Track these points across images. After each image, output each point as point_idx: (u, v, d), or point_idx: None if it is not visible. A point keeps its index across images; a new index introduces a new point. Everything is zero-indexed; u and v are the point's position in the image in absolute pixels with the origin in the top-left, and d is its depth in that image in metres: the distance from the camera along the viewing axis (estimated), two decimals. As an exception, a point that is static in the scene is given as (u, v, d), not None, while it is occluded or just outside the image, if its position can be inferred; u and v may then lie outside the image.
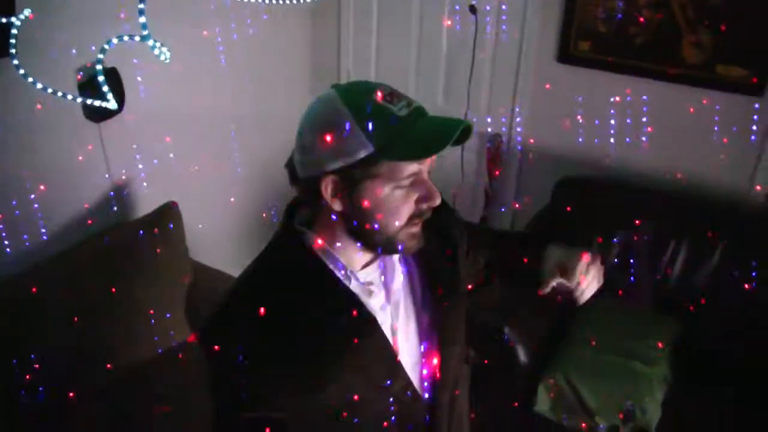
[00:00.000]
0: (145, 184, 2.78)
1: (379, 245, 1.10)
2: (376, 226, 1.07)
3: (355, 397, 1.11)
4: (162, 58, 1.54)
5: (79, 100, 2.28)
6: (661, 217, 2.78)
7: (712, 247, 2.70)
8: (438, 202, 1.08)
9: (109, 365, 2.31)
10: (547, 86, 3.04)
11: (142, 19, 1.50)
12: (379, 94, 1.06)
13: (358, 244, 1.12)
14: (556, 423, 2.45)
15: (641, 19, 2.76)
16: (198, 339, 1.13)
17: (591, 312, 2.71)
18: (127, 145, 2.63)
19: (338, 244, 1.13)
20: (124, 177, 2.73)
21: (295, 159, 1.12)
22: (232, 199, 3.24)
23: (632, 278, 2.69)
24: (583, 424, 2.39)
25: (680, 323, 2.68)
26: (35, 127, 2.30)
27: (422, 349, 1.23)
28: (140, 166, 2.72)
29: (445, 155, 3.11)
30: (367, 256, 1.16)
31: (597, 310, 2.71)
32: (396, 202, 1.06)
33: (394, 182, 1.05)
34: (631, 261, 2.72)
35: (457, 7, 3.11)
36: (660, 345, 2.54)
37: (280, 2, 2.00)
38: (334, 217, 1.10)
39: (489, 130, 3.28)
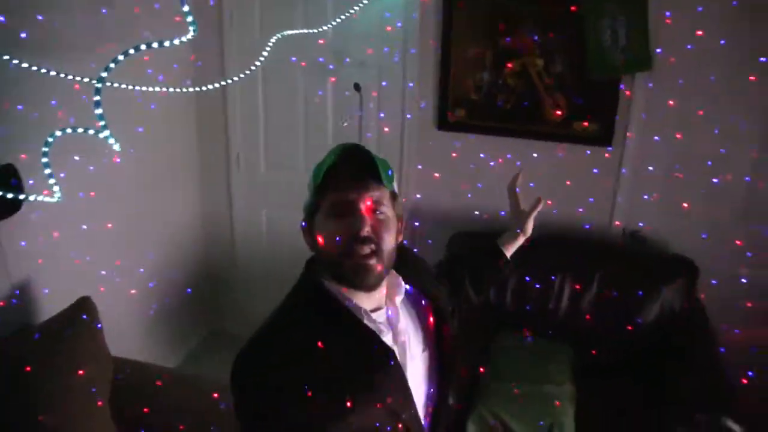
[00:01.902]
0: (47, 286, 2.68)
1: (340, 276, 1.25)
2: (323, 257, 1.26)
3: (374, 423, 1.22)
4: (115, 147, 1.63)
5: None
6: (545, 257, 3.12)
7: (590, 278, 3.07)
8: (361, 232, 1.21)
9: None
10: (427, 151, 3.38)
11: (99, 111, 1.59)
12: (334, 149, 1.27)
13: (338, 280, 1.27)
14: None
15: (508, 89, 3.19)
16: (234, 373, 1.20)
17: (499, 350, 2.99)
18: (28, 244, 2.52)
19: (348, 290, 1.27)
20: (25, 278, 2.61)
21: None
22: (134, 292, 3.20)
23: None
24: (509, 449, 2.60)
25: (572, 346, 3.01)
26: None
27: (426, 387, 1.37)
28: (44, 265, 2.63)
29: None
30: (373, 301, 1.30)
31: (503, 349, 3.00)
32: (329, 229, 1.24)
33: (326, 212, 1.25)
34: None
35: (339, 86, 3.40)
36: (561, 366, 2.85)
37: (164, 90, 2.12)
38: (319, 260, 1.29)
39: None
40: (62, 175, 1.98)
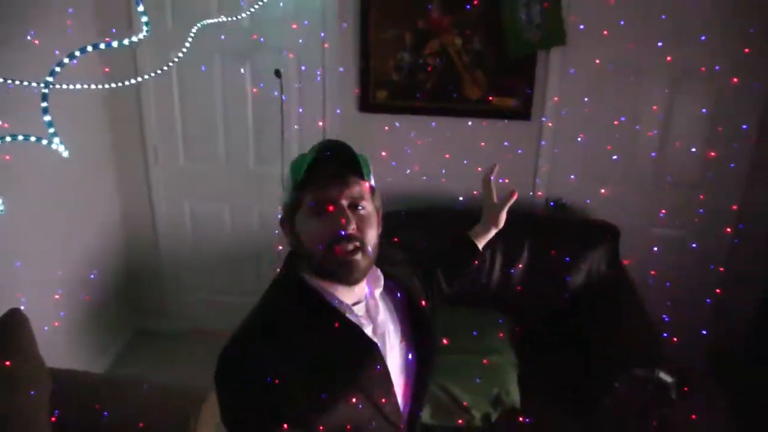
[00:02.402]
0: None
1: (324, 272, 1.24)
2: (306, 253, 1.25)
3: (358, 414, 1.23)
4: (64, 155, 1.54)
5: None
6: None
7: (520, 249, 3.18)
8: (345, 230, 1.20)
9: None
10: (350, 133, 3.35)
11: (48, 118, 1.50)
12: (313, 147, 1.25)
13: (322, 276, 1.26)
14: (438, 427, 2.69)
15: (429, 68, 3.21)
16: (218, 371, 1.18)
17: (437, 328, 3.05)
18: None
19: (329, 284, 1.26)
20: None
21: None
22: (57, 297, 3.06)
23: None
24: (460, 421, 2.67)
25: (507, 314, 3.11)
26: None
27: (404, 377, 1.38)
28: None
29: (265, 213, 3.21)
30: (354, 295, 1.29)
31: (442, 322, 3.06)
32: (311, 227, 1.23)
33: (307, 210, 1.23)
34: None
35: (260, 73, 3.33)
36: (501, 335, 2.94)
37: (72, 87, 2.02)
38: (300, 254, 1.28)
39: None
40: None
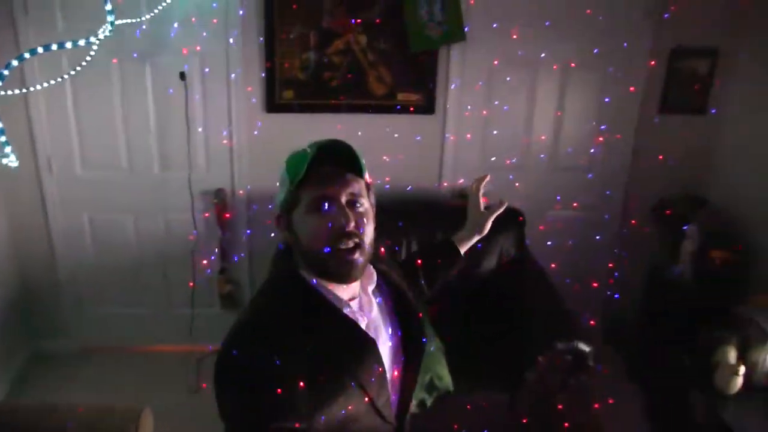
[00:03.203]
0: None
1: (322, 271, 1.27)
2: (308, 251, 1.26)
3: (354, 409, 1.26)
4: (12, 165, 1.46)
5: None
6: (388, 225, 3.28)
7: (432, 238, 3.28)
8: (346, 227, 1.24)
9: None
10: (258, 134, 3.36)
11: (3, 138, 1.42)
12: (309, 144, 1.28)
13: (320, 274, 1.29)
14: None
15: (334, 67, 3.25)
16: (218, 370, 1.18)
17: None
18: None
19: (321, 278, 1.29)
20: None
21: None
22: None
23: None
24: (393, 409, 2.74)
25: (426, 303, 3.20)
26: None
27: (392, 371, 1.41)
28: None
29: (173, 219, 3.11)
30: (349, 291, 1.32)
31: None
32: (312, 225, 1.26)
33: (307, 208, 1.26)
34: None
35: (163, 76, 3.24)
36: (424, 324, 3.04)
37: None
38: (295, 251, 1.30)
39: (213, 186, 3.45)
40: None
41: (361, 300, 1.36)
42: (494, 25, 3.21)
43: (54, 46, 1.41)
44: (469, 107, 3.41)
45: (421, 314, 1.50)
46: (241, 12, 3.15)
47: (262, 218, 3.45)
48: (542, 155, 3.58)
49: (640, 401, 3.24)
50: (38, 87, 2.40)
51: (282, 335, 1.19)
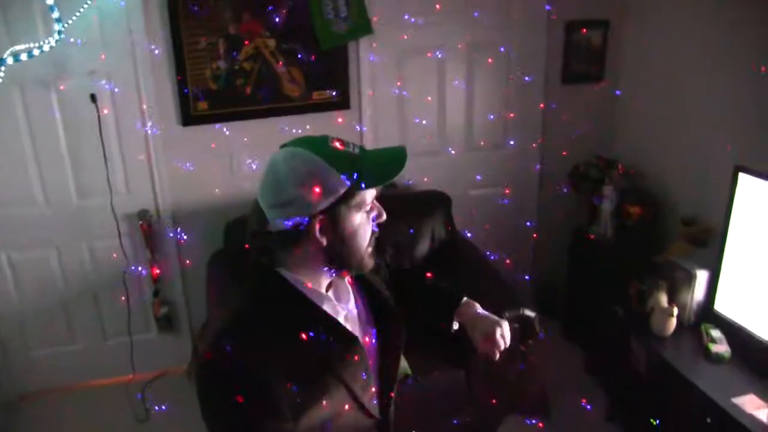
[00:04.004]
0: None
1: (352, 267, 1.30)
2: (353, 250, 1.27)
3: (338, 407, 1.27)
4: None
5: None
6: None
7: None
8: (385, 216, 1.31)
9: None
10: (175, 149, 3.31)
11: None
12: (336, 142, 1.27)
13: (331, 271, 1.29)
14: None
15: (245, 73, 3.25)
16: (199, 371, 1.18)
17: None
18: None
19: (312, 276, 1.29)
20: None
21: (270, 217, 1.23)
22: None
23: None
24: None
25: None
26: None
27: (374, 366, 1.41)
28: None
29: (99, 248, 2.94)
30: (326, 282, 1.33)
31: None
32: (365, 226, 1.28)
33: (363, 209, 1.27)
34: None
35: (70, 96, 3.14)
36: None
37: None
38: (312, 252, 1.25)
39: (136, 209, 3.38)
40: None
41: (338, 288, 1.38)
42: (398, 15, 3.30)
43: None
44: (382, 98, 3.49)
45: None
46: (145, 28, 3.10)
47: (191, 235, 3.40)
48: (458, 138, 3.69)
49: (580, 359, 3.39)
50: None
51: (264, 336, 1.19)
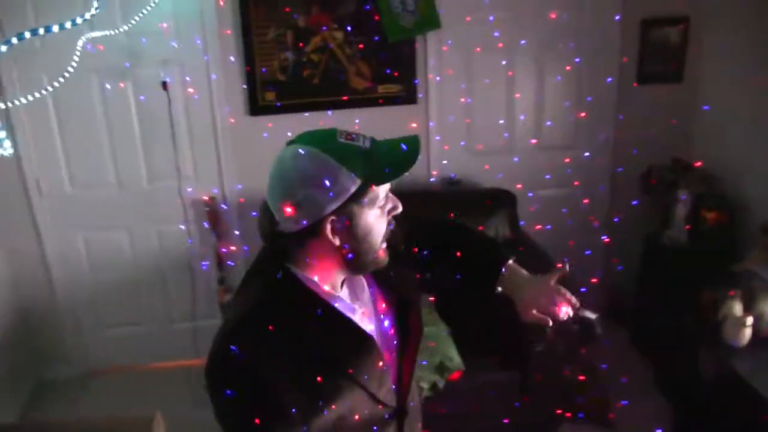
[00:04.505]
0: None
1: (367, 265, 1.26)
2: (368, 249, 1.23)
3: (354, 406, 1.24)
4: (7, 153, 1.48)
5: None
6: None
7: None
8: (401, 207, 1.26)
9: None
10: (243, 138, 3.38)
11: None
12: (345, 136, 1.22)
13: (343, 270, 1.26)
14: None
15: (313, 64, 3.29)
16: (210, 371, 1.15)
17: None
18: None
19: (326, 275, 1.25)
20: None
21: (279, 219, 1.20)
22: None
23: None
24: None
25: (427, 291, 3.21)
26: None
27: (392, 355, 1.37)
28: None
29: (167, 231, 3.03)
30: (340, 279, 1.29)
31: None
32: (380, 222, 1.23)
33: (377, 205, 1.22)
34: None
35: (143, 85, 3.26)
36: (427, 310, 3.05)
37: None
38: (325, 252, 1.22)
39: (203, 196, 3.46)
40: None
41: (352, 282, 1.34)
42: (467, 10, 3.26)
43: (41, 30, 1.41)
44: (450, 94, 3.45)
45: (413, 295, 1.44)
46: (216, 17, 3.19)
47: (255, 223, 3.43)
48: (527, 136, 3.61)
49: (647, 369, 3.24)
50: (19, 101, 2.40)
51: (276, 336, 1.15)
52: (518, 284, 1.47)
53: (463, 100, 3.48)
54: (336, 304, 1.25)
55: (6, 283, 3.47)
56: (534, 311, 1.42)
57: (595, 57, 3.48)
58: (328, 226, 1.18)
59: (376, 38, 3.27)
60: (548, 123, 3.60)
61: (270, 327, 1.15)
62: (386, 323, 1.36)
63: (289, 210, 1.18)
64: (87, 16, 1.51)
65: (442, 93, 3.45)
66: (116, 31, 2.51)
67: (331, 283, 1.27)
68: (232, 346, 1.13)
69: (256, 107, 3.34)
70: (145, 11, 2.53)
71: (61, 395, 3.55)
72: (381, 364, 1.27)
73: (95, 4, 1.51)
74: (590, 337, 2.76)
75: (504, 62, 3.46)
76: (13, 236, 3.47)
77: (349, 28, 3.24)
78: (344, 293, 1.30)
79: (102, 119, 3.33)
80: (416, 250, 1.51)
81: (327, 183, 1.15)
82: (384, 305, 1.38)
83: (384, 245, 1.25)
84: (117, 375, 3.68)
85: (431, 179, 3.59)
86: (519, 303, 1.45)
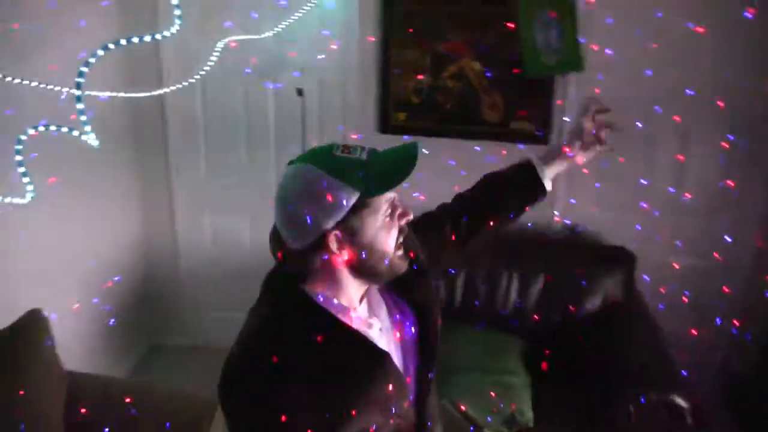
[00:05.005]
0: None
1: (383, 275, 1.25)
2: (378, 257, 1.22)
3: (372, 424, 1.22)
4: (93, 144, 1.61)
5: None
6: (492, 254, 3.22)
7: (536, 271, 3.18)
8: (412, 214, 1.27)
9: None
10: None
11: (80, 105, 1.57)
12: (339, 151, 1.24)
13: (360, 282, 1.27)
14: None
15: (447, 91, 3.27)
16: (226, 394, 1.17)
17: (450, 344, 3.04)
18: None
19: (339, 291, 1.26)
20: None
21: (285, 237, 1.24)
22: (76, 306, 3.11)
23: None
24: (473, 439, 2.67)
25: (522, 335, 3.12)
26: None
27: (411, 367, 1.37)
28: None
29: None
30: (358, 295, 1.29)
31: (454, 345, 3.07)
32: (387, 229, 1.23)
33: (381, 212, 1.22)
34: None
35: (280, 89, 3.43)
36: (515, 357, 2.95)
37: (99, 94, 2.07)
38: (337, 267, 1.24)
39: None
40: None
41: (369, 298, 1.34)
42: (615, 57, 3.06)
43: (111, 45, 1.52)
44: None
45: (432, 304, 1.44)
46: (359, 34, 3.26)
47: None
48: (663, 195, 3.34)
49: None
50: (167, 89, 2.61)
51: (292, 358, 1.16)
52: (555, 161, 1.67)
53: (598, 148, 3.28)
54: (350, 321, 1.25)
55: (140, 249, 3.80)
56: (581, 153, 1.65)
57: (748, 117, 3.14)
58: (332, 241, 1.20)
59: (514, 72, 3.17)
60: (688, 187, 3.31)
61: (281, 345, 1.16)
62: (404, 337, 1.36)
63: (291, 228, 1.21)
64: (173, 30, 1.60)
65: (577, 138, 3.27)
66: (259, 36, 2.66)
67: (347, 298, 1.27)
68: (246, 363, 1.17)
69: (387, 125, 3.38)
70: (291, 19, 2.65)
71: (170, 364, 3.82)
72: (398, 379, 1.27)
73: (177, 23, 1.59)
74: (680, 425, 2.53)
75: (647, 115, 3.17)
76: (152, 209, 3.79)
77: (487, 59, 3.18)
78: (362, 308, 1.30)
79: (243, 114, 3.55)
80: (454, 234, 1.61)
81: (323, 198, 1.18)
82: (401, 318, 1.38)
83: (399, 252, 1.25)
84: (214, 355, 3.88)
85: (553, 225, 3.45)
86: (569, 162, 1.67)
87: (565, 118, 3.24)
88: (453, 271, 3.17)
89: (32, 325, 2.45)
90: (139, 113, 3.58)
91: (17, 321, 2.44)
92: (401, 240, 1.26)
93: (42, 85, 1.68)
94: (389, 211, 1.24)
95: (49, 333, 2.49)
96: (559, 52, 3.08)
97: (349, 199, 1.19)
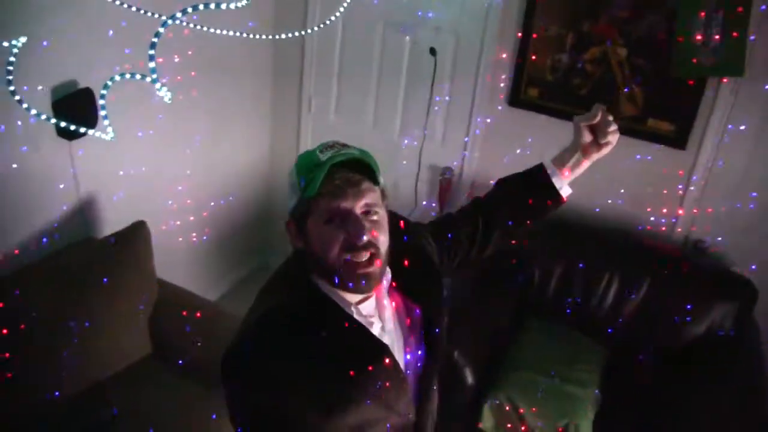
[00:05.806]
0: (115, 201, 2.87)
1: (332, 278, 1.22)
2: (319, 259, 1.22)
3: (370, 417, 1.24)
4: (166, 99, 1.69)
5: (53, 121, 2.34)
6: (599, 250, 3.06)
7: (640, 281, 2.97)
8: (359, 241, 1.19)
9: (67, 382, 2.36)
10: (495, 124, 3.32)
11: (152, 64, 1.64)
12: (321, 149, 1.25)
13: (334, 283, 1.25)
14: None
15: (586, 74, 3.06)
16: (225, 371, 1.20)
17: (528, 337, 2.96)
18: (98, 164, 2.72)
19: (334, 288, 1.26)
20: (93, 195, 2.81)
21: None
22: (192, 218, 3.35)
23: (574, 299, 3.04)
24: (520, 440, 2.61)
25: (608, 348, 2.95)
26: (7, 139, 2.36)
27: (412, 367, 1.37)
28: (110, 186, 2.81)
29: (399, 184, 3.23)
30: (354, 298, 1.28)
31: (532, 335, 2.97)
32: (325, 236, 1.20)
33: (320, 218, 1.20)
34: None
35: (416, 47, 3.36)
36: (590, 368, 2.80)
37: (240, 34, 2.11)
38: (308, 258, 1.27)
39: (442, 163, 3.52)
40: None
41: (377, 298, 1.32)
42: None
43: (179, 14, 1.54)
44: (728, 153, 2.93)
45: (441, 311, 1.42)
46: (501, 3, 3.10)
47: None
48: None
49: None
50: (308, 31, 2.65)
51: (292, 340, 1.18)
52: (568, 163, 1.65)
53: (743, 164, 2.92)
54: (352, 313, 1.26)
55: (265, 178, 4.01)
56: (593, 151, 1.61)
57: None
58: (289, 230, 1.29)
59: (661, 66, 2.87)
60: None
61: (285, 330, 1.20)
62: (410, 337, 1.37)
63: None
64: (240, 4, 1.60)
65: (720, 149, 2.94)
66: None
67: (339, 296, 1.28)
68: (248, 343, 1.21)
69: (517, 99, 3.23)
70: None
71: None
72: (396, 374, 1.28)
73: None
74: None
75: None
76: (278, 142, 3.96)
77: (634, 47, 2.91)
78: (368, 304, 1.31)
79: (376, 66, 3.53)
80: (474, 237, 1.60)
81: (289, 187, 1.28)
82: (407, 319, 1.38)
83: (351, 268, 1.20)
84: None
85: (675, 237, 3.18)
86: (585, 163, 1.64)
87: (712, 124, 2.92)
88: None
89: (135, 235, 2.69)
90: (281, 47, 3.70)
91: (123, 229, 2.68)
92: (347, 258, 1.20)
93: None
94: (328, 219, 1.20)
95: (149, 243, 2.73)
96: (718, 52, 2.73)
97: (296, 195, 1.25)
